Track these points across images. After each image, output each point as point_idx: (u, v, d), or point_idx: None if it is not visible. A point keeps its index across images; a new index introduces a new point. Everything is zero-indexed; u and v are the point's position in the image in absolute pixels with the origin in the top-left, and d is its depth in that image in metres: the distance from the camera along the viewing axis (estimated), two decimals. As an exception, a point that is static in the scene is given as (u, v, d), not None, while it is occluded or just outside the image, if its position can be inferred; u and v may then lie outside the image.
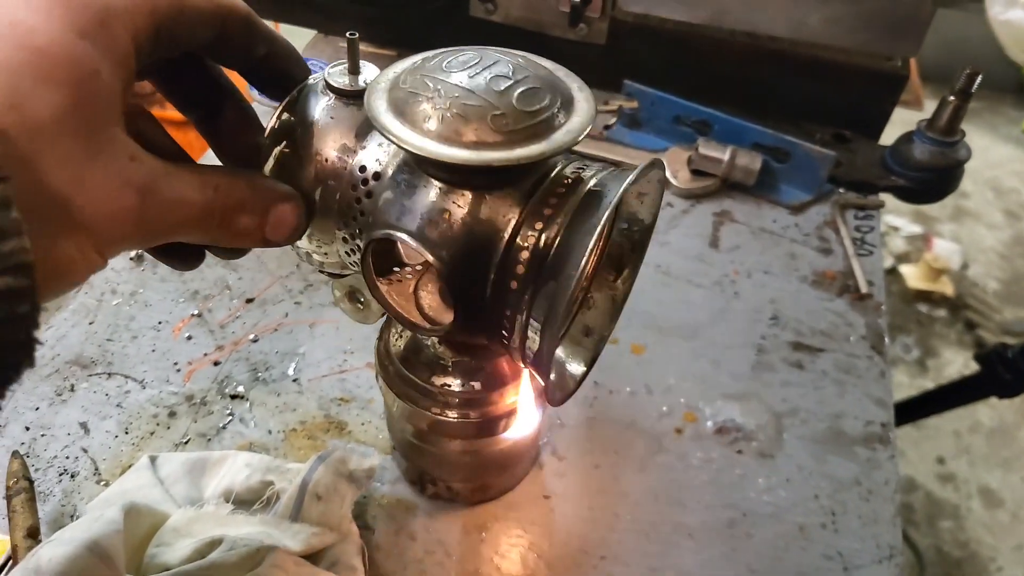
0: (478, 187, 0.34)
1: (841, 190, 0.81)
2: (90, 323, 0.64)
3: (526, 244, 0.33)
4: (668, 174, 0.80)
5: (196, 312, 0.66)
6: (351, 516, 0.50)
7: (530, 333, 0.34)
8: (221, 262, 0.70)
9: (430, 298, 0.41)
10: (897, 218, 2.55)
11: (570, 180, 0.35)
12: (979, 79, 0.71)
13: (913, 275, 2.32)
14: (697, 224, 0.77)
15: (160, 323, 0.65)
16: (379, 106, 0.33)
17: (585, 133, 0.33)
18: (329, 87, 0.36)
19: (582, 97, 0.35)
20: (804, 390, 0.62)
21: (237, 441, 0.57)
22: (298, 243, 0.39)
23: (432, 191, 0.34)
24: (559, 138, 0.32)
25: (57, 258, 0.25)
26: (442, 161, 0.31)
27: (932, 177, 0.76)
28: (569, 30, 0.87)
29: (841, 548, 0.52)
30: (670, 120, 0.84)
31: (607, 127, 0.87)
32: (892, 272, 2.38)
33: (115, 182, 0.26)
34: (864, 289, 0.70)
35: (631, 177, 0.32)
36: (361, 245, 0.37)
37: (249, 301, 0.67)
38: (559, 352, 0.44)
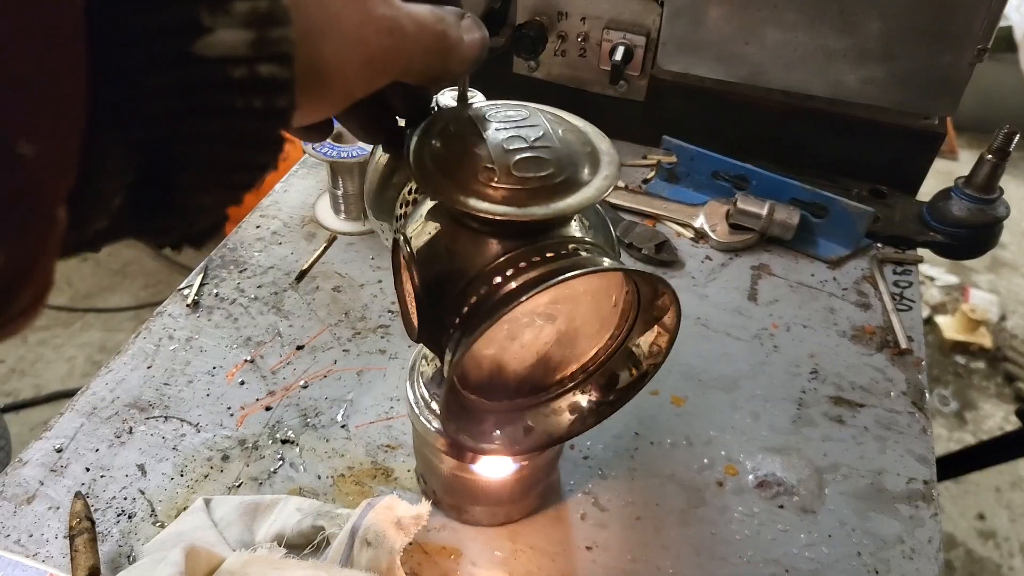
0: (466, 226, 0.37)
1: (879, 245, 0.82)
2: (148, 367, 0.67)
3: (481, 289, 0.36)
4: (707, 227, 0.82)
5: (249, 358, 0.68)
6: (399, 562, 0.51)
7: (445, 368, 0.38)
8: (273, 310, 0.72)
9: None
10: (933, 268, 2.53)
11: (566, 252, 0.37)
12: (1016, 138, 0.72)
13: (950, 326, 2.29)
14: (735, 277, 0.78)
15: (214, 368, 0.67)
16: (422, 137, 0.37)
17: (563, 213, 0.35)
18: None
19: (596, 182, 0.36)
20: (845, 445, 0.62)
21: (288, 486, 0.59)
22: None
23: (434, 215, 0.39)
24: (535, 210, 0.34)
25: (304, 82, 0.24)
26: (426, 188, 0.36)
27: (970, 234, 0.77)
28: (609, 87, 0.90)
29: (885, 607, 0.52)
30: (708, 175, 0.86)
31: (645, 181, 0.89)
32: (928, 323, 2.36)
33: (375, 22, 0.26)
34: (904, 344, 0.70)
35: (606, 266, 0.36)
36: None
37: (299, 348, 0.69)
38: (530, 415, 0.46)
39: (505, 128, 0.37)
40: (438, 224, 0.39)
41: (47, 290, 0.18)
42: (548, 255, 0.36)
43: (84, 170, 0.18)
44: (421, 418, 0.51)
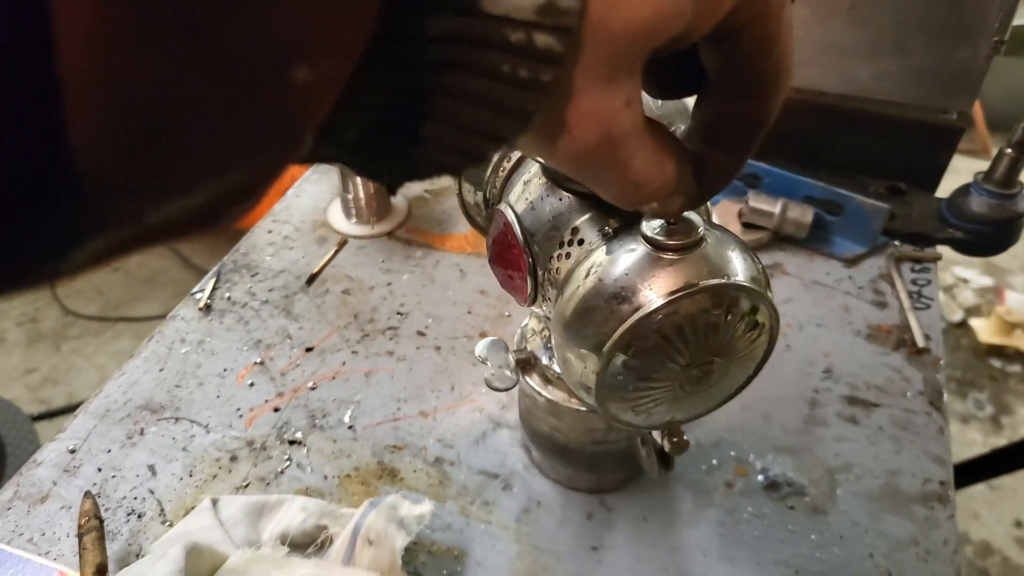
0: (570, 190, 0.39)
1: (897, 243, 0.80)
2: (160, 370, 0.68)
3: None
4: (719, 227, 0.81)
5: (259, 360, 0.68)
6: (401, 561, 0.51)
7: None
8: (283, 313, 0.73)
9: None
10: (967, 270, 2.48)
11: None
12: (1037, 131, 0.70)
13: (985, 329, 2.24)
14: (748, 277, 0.77)
15: (225, 370, 0.68)
16: None
17: None
18: (645, 239, 0.39)
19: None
20: (859, 445, 0.61)
21: (294, 486, 0.59)
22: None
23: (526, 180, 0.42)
24: None
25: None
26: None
27: (990, 230, 0.75)
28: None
29: (898, 610, 0.51)
30: (721, 174, 0.85)
31: (658, 181, 0.88)
32: (962, 326, 2.31)
33: (598, 112, 0.23)
34: (921, 343, 0.69)
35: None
36: None
37: (308, 350, 0.69)
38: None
39: None
40: (540, 190, 0.40)
41: (256, 206, 0.18)
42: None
43: (337, 102, 0.18)
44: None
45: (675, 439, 0.47)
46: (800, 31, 0.78)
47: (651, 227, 0.34)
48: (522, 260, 0.41)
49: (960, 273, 2.48)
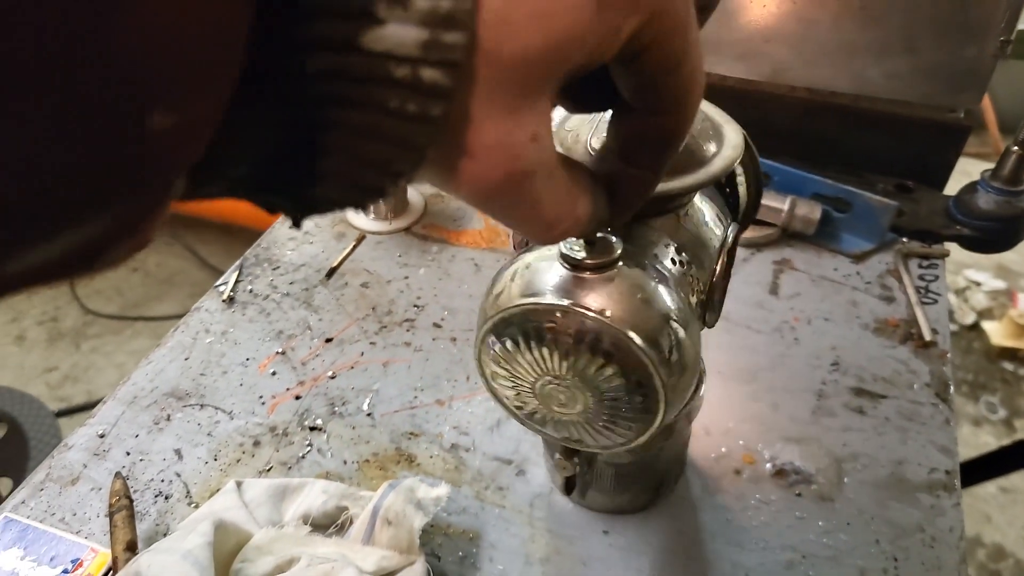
0: (662, 212, 0.41)
1: (904, 239, 0.81)
2: (185, 359, 0.70)
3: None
4: (729, 224, 0.82)
5: (280, 350, 0.71)
6: (419, 542, 0.52)
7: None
8: (304, 305, 0.75)
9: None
10: (979, 273, 2.48)
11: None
12: (1043, 129, 0.72)
13: (997, 332, 2.24)
14: (757, 272, 0.79)
15: (247, 360, 0.70)
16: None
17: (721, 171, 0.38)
18: (566, 259, 0.37)
19: (730, 129, 0.40)
20: (866, 435, 0.63)
21: (315, 470, 0.61)
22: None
23: (669, 224, 0.41)
24: (714, 168, 0.38)
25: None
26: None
27: (997, 226, 0.76)
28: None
29: (902, 592, 0.52)
30: (732, 172, 0.86)
31: (670, 179, 0.90)
32: (975, 328, 2.30)
33: (501, 145, 0.23)
34: (928, 337, 0.70)
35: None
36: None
37: (328, 341, 0.72)
38: None
39: None
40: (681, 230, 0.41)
41: (145, 245, 0.18)
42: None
43: (216, 141, 0.17)
44: None
45: (564, 465, 0.48)
46: (810, 31, 0.80)
47: (568, 243, 0.36)
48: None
49: (972, 276, 2.47)
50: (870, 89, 0.82)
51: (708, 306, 0.41)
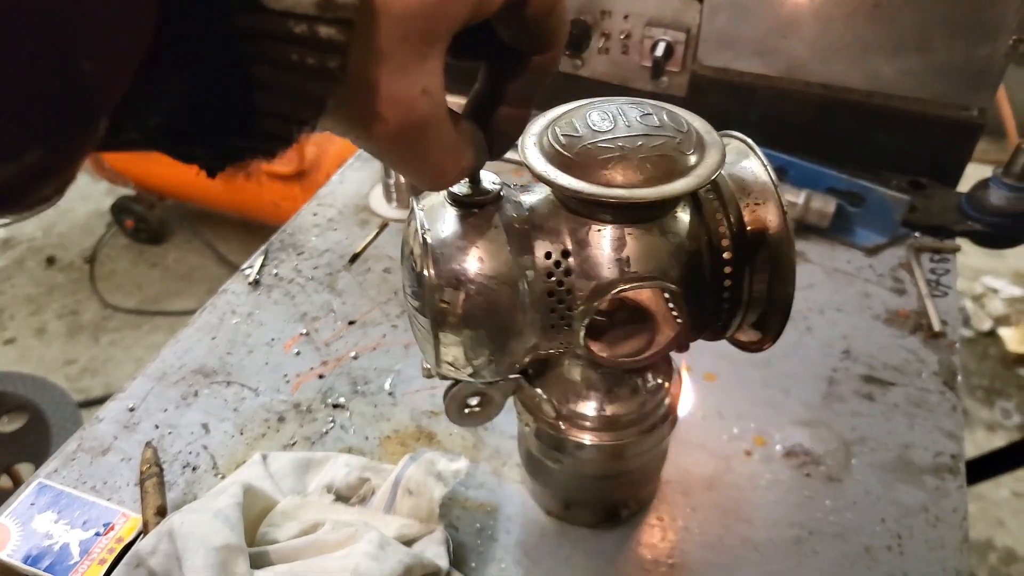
0: (641, 220, 0.38)
1: (917, 234, 0.83)
2: (212, 339, 0.72)
3: (724, 242, 0.39)
4: (743, 217, 0.84)
5: (304, 331, 0.73)
6: (438, 513, 0.54)
7: (757, 290, 0.41)
8: (328, 289, 0.77)
9: (636, 335, 0.44)
10: (996, 280, 2.47)
11: (709, 188, 0.40)
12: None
13: (1013, 338, 2.23)
14: (771, 264, 0.80)
15: (273, 340, 0.72)
16: (548, 168, 0.37)
17: (709, 176, 0.36)
18: (453, 199, 0.39)
19: (710, 139, 0.39)
20: (874, 420, 0.64)
21: (337, 445, 0.63)
22: (447, 361, 0.40)
23: (620, 236, 0.38)
24: (701, 172, 0.36)
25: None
26: (616, 202, 0.35)
27: (1008, 222, 0.77)
28: (651, 83, 0.93)
29: (907, 570, 0.53)
30: (746, 167, 0.88)
31: (685, 174, 0.91)
32: (991, 335, 2.30)
33: (394, 97, 0.26)
34: (937, 327, 0.71)
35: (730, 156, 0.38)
36: (572, 325, 0.40)
37: (351, 323, 0.74)
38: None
39: (615, 124, 0.37)
40: (643, 238, 0.39)
41: (69, 185, 0.20)
42: (708, 193, 0.41)
43: (134, 89, 0.19)
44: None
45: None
46: (825, 28, 0.81)
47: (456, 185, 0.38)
48: None
49: (990, 283, 2.47)
50: (884, 86, 0.83)
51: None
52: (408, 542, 0.53)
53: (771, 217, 0.39)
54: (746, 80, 0.90)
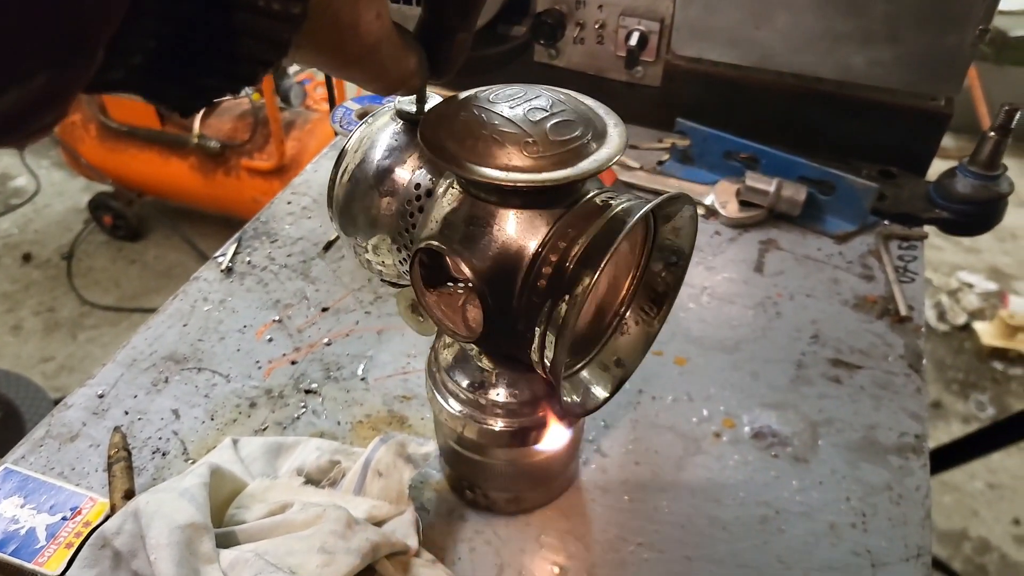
0: (512, 206, 0.39)
1: (886, 222, 0.84)
2: (184, 325, 0.72)
3: (550, 260, 0.38)
4: (717, 205, 0.85)
5: (277, 318, 0.73)
6: (408, 494, 0.54)
7: (547, 344, 0.38)
8: (301, 276, 0.77)
9: (474, 312, 0.42)
10: (971, 275, 2.51)
11: (599, 205, 0.39)
12: (1018, 115, 0.74)
13: (988, 332, 2.27)
14: (743, 251, 0.81)
15: (245, 327, 0.72)
16: (431, 132, 0.38)
17: (612, 162, 0.37)
18: (398, 114, 0.43)
19: (616, 132, 0.39)
20: (841, 402, 0.65)
21: (309, 430, 0.63)
22: (365, 254, 0.46)
23: (471, 207, 0.39)
24: (585, 166, 0.37)
25: None
26: (478, 180, 0.36)
27: (974, 210, 0.79)
28: (625, 73, 0.93)
29: (870, 546, 0.54)
30: (720, 156, 0.89)
31: (660, 163, 0.92)
32: (966, 329, 2.33)
33: (355, 25, 0.31)
34: (904, 312, 0.72)
35: (651, 204, 0.37)
36: (409, 256, 0.41)
37: (324, 310, 0.74)
38: (585, 374, 0.48)
39: (517, 105, 0.39)
40: (473, 216, 0.39)
41: (63, 118, 0.21)
42: (595, 207, 0.39)
43: (122, 26, 0.21)
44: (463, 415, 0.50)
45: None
46: (798, 19, 0.82)
47: (402, 102, 0.43)
48: None
49: (965, 278, 2.50)
50: (854, 76, 0.84)
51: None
52: (378, 523, 0.53)
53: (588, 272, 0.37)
54: (719, 70, 0.91)
